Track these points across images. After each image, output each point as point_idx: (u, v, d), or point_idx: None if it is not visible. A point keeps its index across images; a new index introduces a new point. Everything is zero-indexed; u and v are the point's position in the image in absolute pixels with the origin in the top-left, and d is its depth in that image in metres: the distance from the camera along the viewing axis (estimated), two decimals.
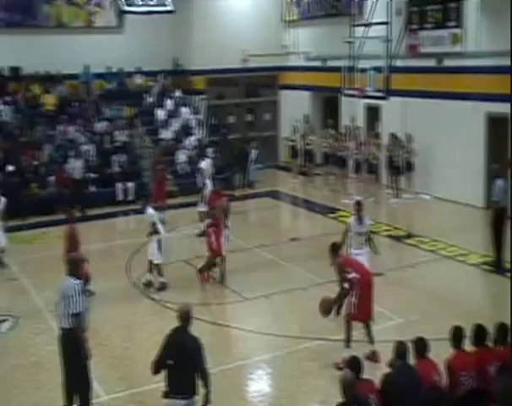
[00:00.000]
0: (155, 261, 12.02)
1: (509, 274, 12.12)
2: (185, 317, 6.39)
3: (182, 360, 6.17)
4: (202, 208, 15.40)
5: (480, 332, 6.57)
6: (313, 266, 12.75)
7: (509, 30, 15.67)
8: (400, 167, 18.28)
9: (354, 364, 6.01)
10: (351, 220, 10.70)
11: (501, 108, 16.05)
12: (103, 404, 8.05)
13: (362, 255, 10.22)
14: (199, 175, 16.41)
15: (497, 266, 12.49)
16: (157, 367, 6.32)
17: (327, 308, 8.96)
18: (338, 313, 9.26)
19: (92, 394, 7.36)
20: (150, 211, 12.26)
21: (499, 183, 12.56)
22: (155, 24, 22.22)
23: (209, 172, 16.74)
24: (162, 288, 11.91)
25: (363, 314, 8.77)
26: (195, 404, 6.29)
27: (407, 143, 18.17)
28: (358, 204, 10.72)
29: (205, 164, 16.74)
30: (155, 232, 12.04)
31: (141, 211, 12.12)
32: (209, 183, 15.99)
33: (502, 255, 12.50)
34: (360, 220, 10.55)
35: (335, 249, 9.09)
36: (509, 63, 15.69)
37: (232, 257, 12.72)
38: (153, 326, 10.16)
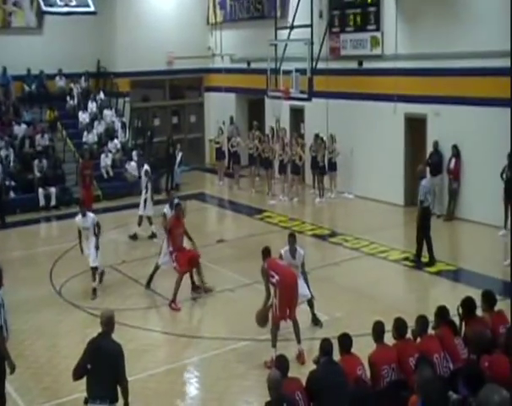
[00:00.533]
0: (93, 264, 11.86)
1: (426, 269, 12.63)
2: (107, 322, 6.32)
3: (101, 366, 6.11)
4: (142, 212, 15.30)
5: (400, 326, 6.80)
6: (239, 268, 12.82)
7: (425, 33, 16.35)
8: (324, 168, 18.64)
9: (280, 363, 6.09)
10: (284, 251, 9.66)
11: (418, 109, 16.66)
12: None
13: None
14: (146, 178, 15.91)
15: (417, 261, 12.91)
16: (77, 373, 6.24)
17: (262, 318, 9.03)
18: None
19: None
20: (91, 214, 12.13)
21: (424, 183, 12.92)
22: (77, 25, 21.76)
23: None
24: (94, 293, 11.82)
25: (283, 314, 8.87)
26: None
27: (330, 143, 18.54)
28: (291, 236, 9.83)
29: (146, 166, 16.23)
30: (98, 234, 11.91)
31: (83, 215, 11.89)
32: (150, 186, 15.70)
33: (423, 251, 12.90)
34: (293, 253, 9.65)
35: (266, 253, 9.18)
36: (425, 65, 16.34)
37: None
38: (78, 333, 9.94)
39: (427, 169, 16.31)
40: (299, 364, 8.56)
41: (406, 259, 13.23)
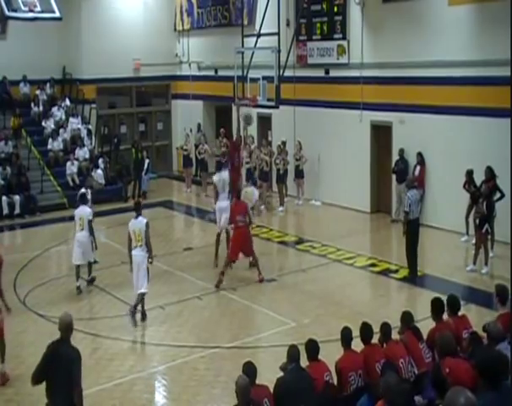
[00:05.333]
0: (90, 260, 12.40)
1: (392, 275, 12.73)
2: (65, 328, 6.29)
3: (57, 371, 6.05)
4: None
5: (366, 331, 6.86)
6: (207, 275, 12.79)
7: (390, 43, 16.58)
8: (281, 176, 18.52)
9: (249, 370, 6.09)
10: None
11: (383, 117, 16.87)
12: None
13: None
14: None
15: (413, 276, 12.40)
16: (35, 377, 6.19)
17: None
18: None
19: None
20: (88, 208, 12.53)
21: (410, 194, 12.38)
22: (42, 30, 21.52)
23: None
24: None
25: None
26: None
27: (297, 150, 18.63)
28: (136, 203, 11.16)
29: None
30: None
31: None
32: None
33: (416, 265, 12.51)
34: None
35: None
36: (390, 73, 16.56)
37: (125, 269, 12.48)
38: (42, 343, 9.62)
39: (393, 176, 16.55)
40: None
41: (404, 278, 12.54)
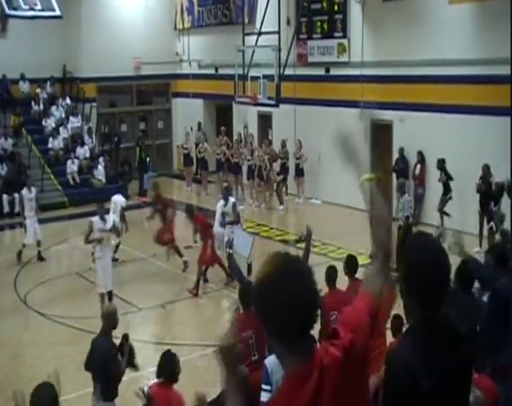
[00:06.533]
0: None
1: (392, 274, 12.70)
2: (106, 318, 6.56)
3: (93, 362, 6.46)
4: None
5: (351, 264, 7.20)
6: (208, 273, 12.79)
7: (391, 41, 16.58)
8: (279, 174, 18.60)
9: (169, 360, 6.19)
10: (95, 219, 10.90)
11: (384, 116, 16.85)
12: None
13: None
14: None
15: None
16: (85, 367, 6.56)
17: None
18: None
19: None
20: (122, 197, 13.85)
21: (407, 198, 12.47)
22: (42, 29, 21.48)
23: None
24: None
25: None
26: None
27: (298, 149, 18.63)
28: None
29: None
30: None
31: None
32: None
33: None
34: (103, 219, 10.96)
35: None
36: (391, 72, 16.57)
37: (126, 267, 12.54)
38: (43, 342, 9.79)
39: (393, 175, 16.55)
40: None
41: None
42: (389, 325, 6.84)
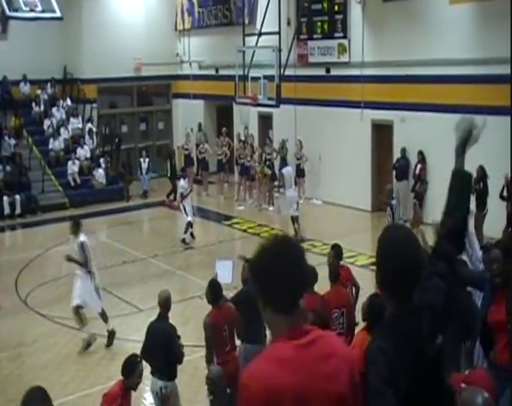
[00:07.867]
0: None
1: None
2: (162, 303, 7.03)
3: (151, 345, 6.83)
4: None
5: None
6: (208, 274, 12.72)
7: (391, 41, 16.58)
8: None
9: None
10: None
11: (384, 116, 16.87)
12: None
13: None
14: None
15: None
16: (142, 356, 6.67)
17: None
18: None
19: None
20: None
21: (395, 203, 12.43)
22: (43, 30, 21.52)
23: None
24: None
25: None
26: (172, 387, 7.06)
27: (298, 149, 18.63)
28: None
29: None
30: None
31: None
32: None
33: None
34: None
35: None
36: (391, 72, 16.57)
37: (127, 268, 12.54)
38: (44, 343, 9.80)
39: (393, 173, 16.56)
40: None
41: None
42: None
